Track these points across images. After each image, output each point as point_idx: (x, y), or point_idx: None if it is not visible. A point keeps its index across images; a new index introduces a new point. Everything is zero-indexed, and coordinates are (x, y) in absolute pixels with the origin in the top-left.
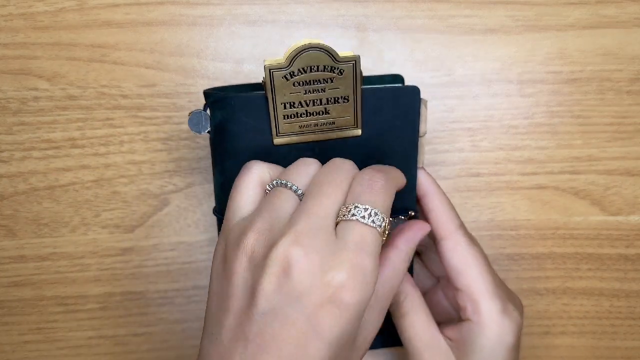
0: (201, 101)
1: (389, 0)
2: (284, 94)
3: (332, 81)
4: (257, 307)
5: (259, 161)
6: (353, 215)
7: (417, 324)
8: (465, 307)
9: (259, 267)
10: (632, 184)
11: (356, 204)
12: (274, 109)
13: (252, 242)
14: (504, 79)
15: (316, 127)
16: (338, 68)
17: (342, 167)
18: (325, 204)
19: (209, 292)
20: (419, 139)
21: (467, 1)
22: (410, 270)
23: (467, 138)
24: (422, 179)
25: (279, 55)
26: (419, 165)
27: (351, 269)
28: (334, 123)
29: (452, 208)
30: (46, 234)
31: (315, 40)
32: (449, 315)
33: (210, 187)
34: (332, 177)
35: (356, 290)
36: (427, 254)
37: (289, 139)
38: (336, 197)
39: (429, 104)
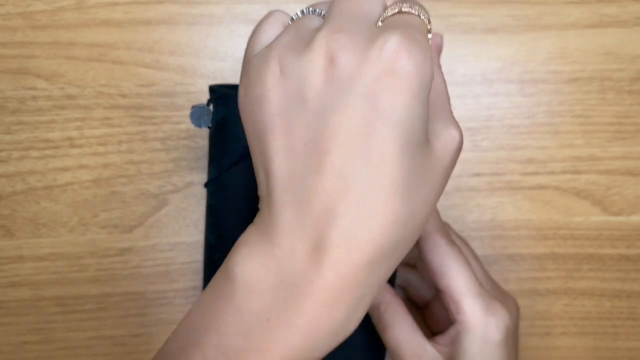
0: (200, 101)
1: None
2: None
3: None
4: (308, 111)
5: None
6: (396, 9)
7: (401, 333)
8: (449, 308)
9: (296, 71)
10: (633, 184)
11: (398, 3)
12: None
13: (279, 52)
14: (504, 79)
15: None
16: None
17: None
18: (361, 1)
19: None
20: None
21: (468, 0)
22: (392, 281)
23: (468, 138)
24: None
25: None
26: None
27: (403, 34)
28: None
29: (435, 209)
30: (44, 234)
31: None
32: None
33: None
34: None
35: (414, 54)
36: (420, 265)
37: None
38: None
39: None
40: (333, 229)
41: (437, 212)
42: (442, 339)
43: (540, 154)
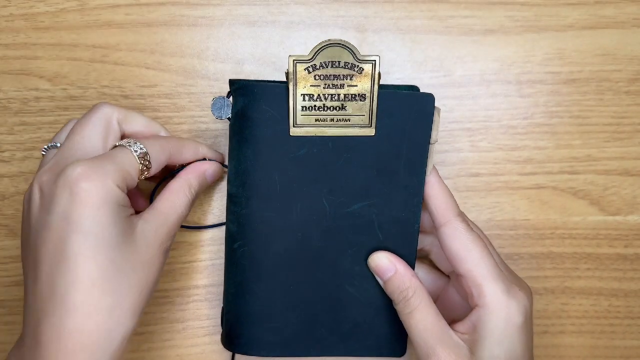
0: (201, 101)
1: (388, 1)
2: (304, 86)
3: (351, 78)
4: (30, 227)
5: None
6: (116, 143)
7: (428, 318)
8: (471, 292)
9: (25, 198)
10: (630, 184)
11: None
12: (294, 99)
13: (35, 187)
14: (502, 80)
15: (332, 122)
16: (358, 66)
17: (96, 109)
18: (76, 139)
19: None
20: (430, 145)
21: (466, 2)
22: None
23: (466, 138)
24: None
25: (280, 56)
26: (427, 172)
27: (88, 163)
28: (349, 120)
29: (451, 196)
30: None
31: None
32: (464, 311)
33: (210, 187)
34: (83, 119)
35: (92, 178)
36: (436, 252)
37: (304, 130)
38: (89, 130)
39: None
40: (43, 324)
41: (454, 200)
42: (461, 326)
43: (538, 154)
